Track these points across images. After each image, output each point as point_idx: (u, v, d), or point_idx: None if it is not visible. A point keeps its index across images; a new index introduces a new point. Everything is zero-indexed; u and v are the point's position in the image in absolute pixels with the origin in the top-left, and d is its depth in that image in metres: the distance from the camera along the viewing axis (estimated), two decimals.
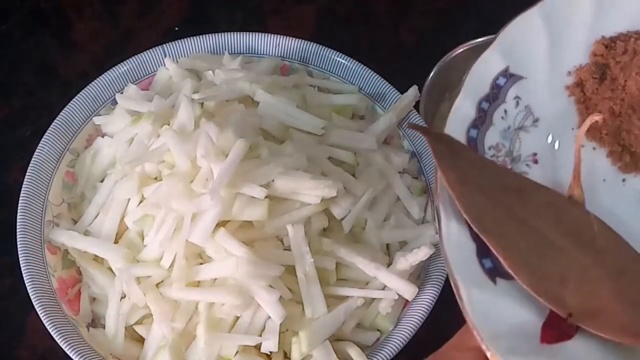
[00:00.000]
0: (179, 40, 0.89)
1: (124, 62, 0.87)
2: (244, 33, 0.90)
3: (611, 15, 0.77)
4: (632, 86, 0.73)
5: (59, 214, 0.81)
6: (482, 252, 0.62)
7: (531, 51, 0.75)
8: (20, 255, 0.76)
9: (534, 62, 0.75)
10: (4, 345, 0.83)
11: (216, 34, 0.90)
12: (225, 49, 0.90)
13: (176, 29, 1.04)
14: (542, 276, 0.61)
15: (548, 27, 0.76)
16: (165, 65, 0.87)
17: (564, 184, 0.68)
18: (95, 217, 0.79)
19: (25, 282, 0.74)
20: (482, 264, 0.63)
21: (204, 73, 0.87)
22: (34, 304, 0.73)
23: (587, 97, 0.74)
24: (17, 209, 0.78)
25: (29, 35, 0.91)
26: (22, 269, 0.75)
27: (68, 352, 0.71)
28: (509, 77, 0.74)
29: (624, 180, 0.71)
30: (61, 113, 0.83)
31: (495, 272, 0.63)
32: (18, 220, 0.77)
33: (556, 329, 0.61)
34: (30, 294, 0.74)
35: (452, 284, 0.60)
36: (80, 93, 0.85)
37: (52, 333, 0.72)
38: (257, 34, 0.90)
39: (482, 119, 0.72)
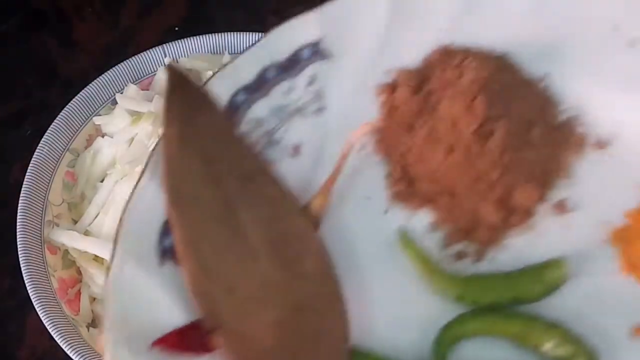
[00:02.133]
0: (179, 40, 0.89)
1: (124, 62, 0.87)
2: (244, 33, 0.90)
3: (475, 22, 0.67)
4: (442, 108, 0.63)
5: (59, 214, 0.80)
6: (167, 227, 0.56)
7: (358, 30, 0.65)
8: (20, 255, 0.75)
9: (355, 44, 0.66)
10: (4, 345, 0.83)
11: (216, 34, 0.90)
12: (225, 49, 0.90)
13: (176, 29, 1.03)
14: (211, 276, 0.54)
15: (393, 9, 0.66)
16: (165, 65, 0.87)
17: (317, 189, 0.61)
18: (95, 217, 0.79)
19: (25, 282, 0.74)
20: (162, 240, 0.56)
21: (204, 73, 0.86)
22: (34, 304, 0.73)
23: (395, 104, 0.66)
24: (17, 209, 0.77)
25: (29, 35, 0.91)
26: (22, 269, 0.75)
27: (68, 352, 0.71)
28: (317, 51, 0.65)
29: (386, 210, 0.63)
30: (61, 113, 0.83)
31: (169, 254, 0.56)
32: (18, 220, 0.77)
33: (189, 339, 0.54)
34: (30, 294, 0.73)
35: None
36: (80, 93, 0.84)
37: (52, 333, 0.72)
38: (257, 34, 0.89)
39: (258, 86, 0.63)
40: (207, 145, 0.59)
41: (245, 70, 0.64)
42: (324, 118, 0.65)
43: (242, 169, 0.59)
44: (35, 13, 0.81)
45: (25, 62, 0.96)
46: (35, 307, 0.73)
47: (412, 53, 0.68)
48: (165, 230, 0.57)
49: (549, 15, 0.68)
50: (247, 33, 0.90)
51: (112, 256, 0.54)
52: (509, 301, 0.60)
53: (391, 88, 0.67)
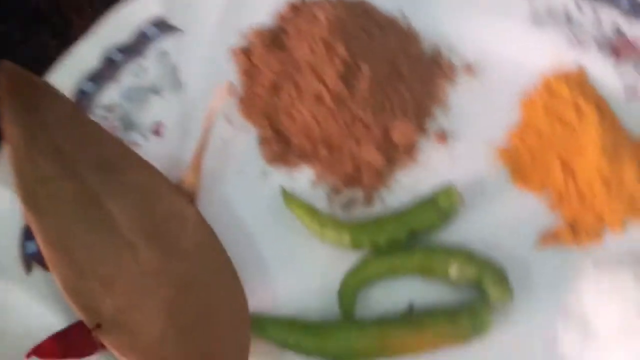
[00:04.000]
0: None
1: None
2: None
3: None
4: (302, 60, 0.61)
5: None
6: (28, 231, 0.53)
7: None
8: None
9: (201, 13, 0.64)
10: None
11: None
12: None
13: None
14: (84, 274, 0.51)
15: None
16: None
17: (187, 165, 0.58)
18: None
19: None
20: (25, 246, 0.54)
21: None
22: None
23: (254, 65, 0.63)
24: None
25: (29, 35, 0.86)
26: None
27: None
28: (163, 27, 0.62)
29: (265, 173, 0.61)
30: None
31: (35, 260, 0.54)
32: None
33: (69, 343, 0.50)
34: None
35: None
36: None
37: None
38: None
39: (106, 72, 0.61)
40: (58, 141, 0.55)
41: (88, 56, 0.61)
42: (182, 93, 0.62)
43: (101, 158, 0.56)
44: (35, 13, 0.78)
45: (26, 62, 0.91)
46: None
47: (263, 11, 0.65)
48: (27, 235, 0.54)
49: None
50: None
51: None
52: (406, 236, 0.57)
53: (246, 50, 0.64)
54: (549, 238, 0.58)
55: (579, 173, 0.59)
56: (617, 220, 0.58)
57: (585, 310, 0.55)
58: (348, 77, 0.61)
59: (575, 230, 0.58)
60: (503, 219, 0.59)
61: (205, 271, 0.54)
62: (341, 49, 0.61)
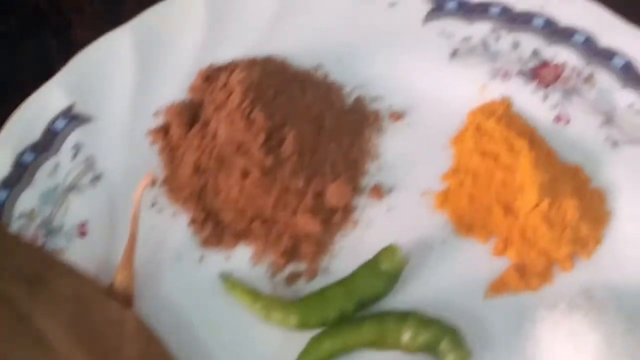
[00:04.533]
0: None
1: None
2: None
3: (227, 36, 0.64)
4: (222, 134, 0.58)
5: None
6: None
7: (110, 82, 0.61)
8: None
9: (111, 97, 0.61)
10: None
11: None
12: None
13: None
14: None
15: (139, 50, 0.62)
16: None
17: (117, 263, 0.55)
18: None
19: None
20: None
21: None
22: None
23: (174, 145, 0.60)
24: None
25: (29, 35, 0.82)
26: None
27: None
28: (72, 118, 0.60)
29: (201, 258, 0.58)
30: None
31: None
32: None
33: None
34: None
35: None
36: None
37: None
38: None
39: (18, 176, 0.58)
40: None
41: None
42: (103, 186, 0.60)
43: (24, 273, 0.53)
44: (35, 13, 0.75)
45: (25, 62, 0.87)
46: None
47: (176, 86, 0.63)
48: None
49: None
50: None
51: None
52: (356, 307, 0.55)
53: (163, 130, 0.62)
54: (498, 286, 0.57)
55: (521, 214, 0.57)
56: (565, 258, 0.57)
57: (543, 357, 0.54)
58: (272, 144, 0.59)
59: (524, 274, 0.57)
60: (451, 273, 0.57)
61: None
62: (260, 117, 0.58)
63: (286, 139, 0.59)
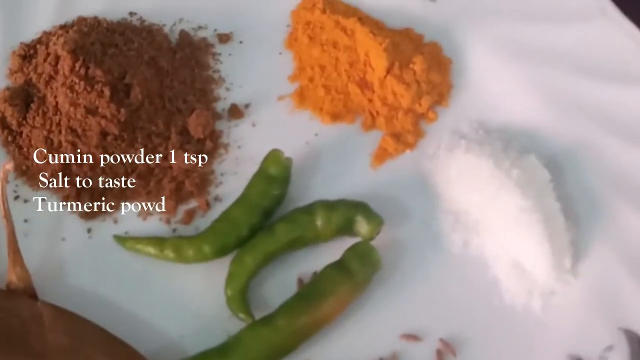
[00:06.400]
0: None
1: None
2: None
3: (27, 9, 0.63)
4: (63, 103, 0.57)
5: None
6: None
7: None
8: None
9: None
10: None
11: None
12: None
13: None
14: None
15: None
16: None
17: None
18: None
19: None
20: None
21: None
22: None
23: (16, 132, 0.58)
24: None
25: None
26: None
27: None
28: None
29: (89, 230, 0.56)
30: None
31: None
32: None
33: None
34: None
35: None
36: None
37: None
38: None
39: None
40: None
41: None
42: None
43: None
44: None
45: None
46: None
47: None
48: None
49: None
50: None
51: None
52: (261, 218, 0.55)
53: None
54: (380, 155, 0.59)
55: (376, 86, 0.60)
56: (428, 111, 0.60)
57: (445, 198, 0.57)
58: (120, 98, 0.57)
59: (398, 137, 0.59)
60: (334, 159, 0.59)
61: (97, 356, 0.49)
62: (98, 73, 0.57)
63: (131, 89, 0.57)
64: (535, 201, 0.54)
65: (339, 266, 0.53)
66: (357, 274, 0.52)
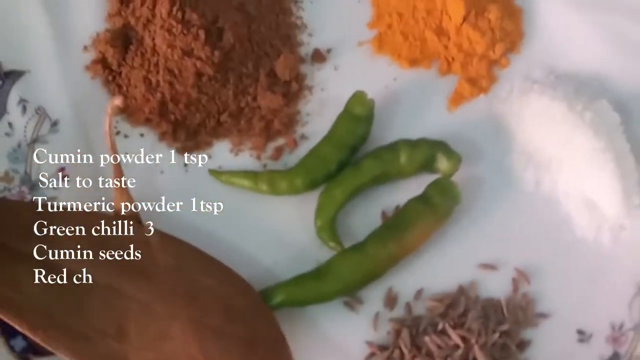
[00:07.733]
0: None
1: None
2: None
3: None
4: (161, 45, 0.60)
5: None
6: (9, 330, 0.49)
7: (25, 32, 0.61)
8: None
9: (32, 45, 0.61)
10: None
11: None
12: None
13: None
14: (90, 336, 0.50)
15: None
16: None
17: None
18: None
19: None
20: (12, 346, 0.51)
21: None
22: None
23: (116, 72, 0.61)
24: None
25: None
26: None
27: None
28: (5, 76, 0.59)
29: (185, 166, 0.60)
30: None
31: (31, 351, 0.51)
32: None
33: None
34: None
35: None
36: None
37: None
38: None
39: None
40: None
41: None
42: (63, 130, 0.59)
43: (27, 226, 0.53)
44: None
45: None
46: None
47: (89, 18, 0.63)
48: (7, 335, 0.51)
49: None
50: None
51: None
52: (348, 154, 0.59)
53: (100, 62, 0.62)
54: (456, 98, 0.62)
55: (452, 32, 0.63)
56: (501, 57, 0.63)
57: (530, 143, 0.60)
58: (213, 41, 0.61)
59: (473, 82, 0.63)
60: (413, 101, 0.62)
61: (200, 276, 0.54)
62: (194, 17, 0.60)
63: (224, 33, 0.61)
64: (607, 142, 0.57)
65: (422, 199, 0.57)
66: (439, 207, 0.56)
